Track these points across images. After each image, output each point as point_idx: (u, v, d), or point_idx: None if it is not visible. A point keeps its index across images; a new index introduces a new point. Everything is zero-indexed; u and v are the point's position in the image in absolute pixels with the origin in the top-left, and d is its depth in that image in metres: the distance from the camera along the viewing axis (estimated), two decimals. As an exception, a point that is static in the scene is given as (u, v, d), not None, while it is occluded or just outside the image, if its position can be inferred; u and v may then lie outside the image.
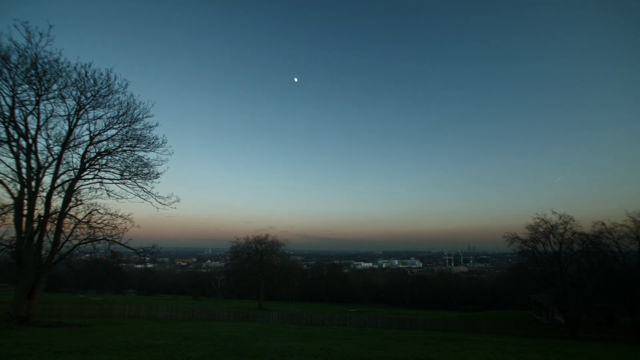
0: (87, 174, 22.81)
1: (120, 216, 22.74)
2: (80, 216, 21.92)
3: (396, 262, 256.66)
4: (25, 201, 20.30)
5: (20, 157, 20.45)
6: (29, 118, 20.79)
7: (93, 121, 22.62)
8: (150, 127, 23.98)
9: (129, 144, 23.42)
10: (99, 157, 22.89)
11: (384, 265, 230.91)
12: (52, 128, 21.68)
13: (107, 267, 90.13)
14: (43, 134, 21.37)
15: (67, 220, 21.72)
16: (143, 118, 23.52)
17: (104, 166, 23.17)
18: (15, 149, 20.26)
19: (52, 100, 20.98)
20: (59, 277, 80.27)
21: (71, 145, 22.14)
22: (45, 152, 21.42)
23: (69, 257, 23.03)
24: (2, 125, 19.82)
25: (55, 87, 20.60)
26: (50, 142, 21.50)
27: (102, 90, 21.84)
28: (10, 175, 20.29)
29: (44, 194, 21.29)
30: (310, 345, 13.19)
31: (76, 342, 12.13)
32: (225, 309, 36.34)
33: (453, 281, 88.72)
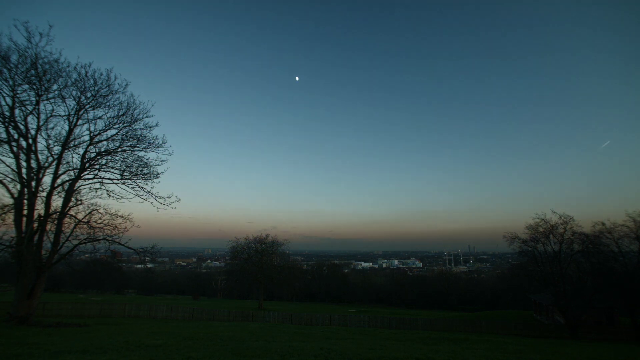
0: (87, 174, 22.82)
1: (120, 216, 22.73)
2: (80, 216, 21.91)
3: (396, 262, 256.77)
4: (25, 201, 20.30)
5: (20, 157, 20.45)
6: (29, 118, 20.81)
7: (93, 121, 22.65)
8: (150, 127, 24.01)
9: (129, 144, 23.43)
10: (99, 157, 22.89)
11: (384, 265, 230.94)
12: (52, 128, 21.72)
13: (107, 267, 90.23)
14: (43, 134, 21.39)
15: (67, 220, 21.71)
16: (143, 118, 23.55)
17: (104, 166, 23.18)
18: (15, 149, 20.26)
19: (52, 100, 20.98)
20: (59, 277, 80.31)
21: (71, 145, 22.14)
22: (45, 152, 21.45)
23: (69, 257, 23.01)
24: (2, 125, 19.83)
25: (55, 87, 20.62)
26: (50, 142, 21.52)
27: (102, 90, 21.84)
28: (10, 175, 20.30)
29: (44, 194, 21.30)
30: (310, 345, 13.18)
31: (76, 342, 12.13)
32: (225, 309, 36.33)
33: (453, 281, 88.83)
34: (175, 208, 30.70)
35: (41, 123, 21.09)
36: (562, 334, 31.28)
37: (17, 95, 19.87)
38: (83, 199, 22.50)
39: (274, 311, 36.80)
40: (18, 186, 20.32)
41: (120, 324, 24.24)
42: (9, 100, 19.77)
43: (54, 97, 20.88)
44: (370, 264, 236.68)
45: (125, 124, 23.08)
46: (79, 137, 22.55)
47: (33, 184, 20.62)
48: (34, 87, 20.01)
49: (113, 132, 23.09)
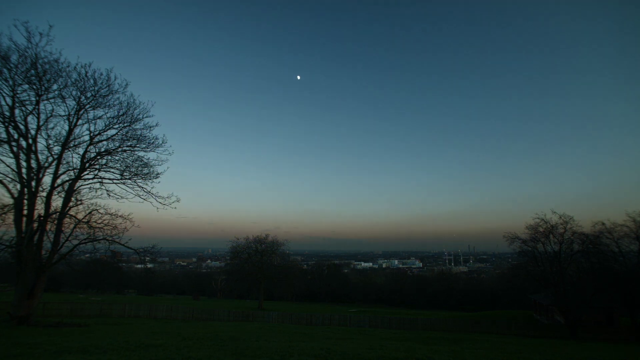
0: (87, 174, 22.78)
1: (120, 216, 22.70)
2: (80, 216, 21.88)
3: (396, 262, 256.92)
4: (25, 201, 20.28)
5: (20, 157, 20.43)
6: (29, 118, 20.77)
7: (93, 121, 22.60)
8: (150, 127, 23.94)
9: (129, 144, 23.39)
10: (99, 157, 22.86)
11: (384, 265, 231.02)
12: (52, 128, 21.66)
13: (107, 267, 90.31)
14: (43, 134, 21.35)
15: (67, 220, 21.68)
16: (143, 118, 23.48)
17: (104, 166, 23.15)
18: (15, 149, 20.24)
19: (52, 100, 20.94)
20: (59, 277, 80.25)
21: (71, 145, 22.11)
22: (45, 152, 21.40)
23: (69, 257, 23.00)
24: (2, 125, 19.80)
25: (55, 87, 20.57)
26: (50, 142, 21.48)
27: (102, 90, 21.80)
28: (10, 175, 20.26)
29: (44, 194, 21.26)
30: (310, 345, 13.19)
31: (76, 342, 12.13)
32: (225, 309, 36.36)
33: (453, 281, 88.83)
34: (175, 208, 30.67)
35: (41, 123, 21.07)
36: (562, 334, 31.29)
37: (17, 95, 19.85)
38: (83, 199, 22.50)
39: (274, 311, 36.83)
40: (18, 186, 20.31)
41: (121, 324, 24.26)
42: (9, 100, 19.76)
43: (54, 97, 20.85)
44: (371, 264, 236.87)
45: (125, 124, 23.05)
46: (79, 137, 22.54)
47: (33, 184, 20.60)
48: (34, 87, 19.99)
49: (113, 132, 23.07)
